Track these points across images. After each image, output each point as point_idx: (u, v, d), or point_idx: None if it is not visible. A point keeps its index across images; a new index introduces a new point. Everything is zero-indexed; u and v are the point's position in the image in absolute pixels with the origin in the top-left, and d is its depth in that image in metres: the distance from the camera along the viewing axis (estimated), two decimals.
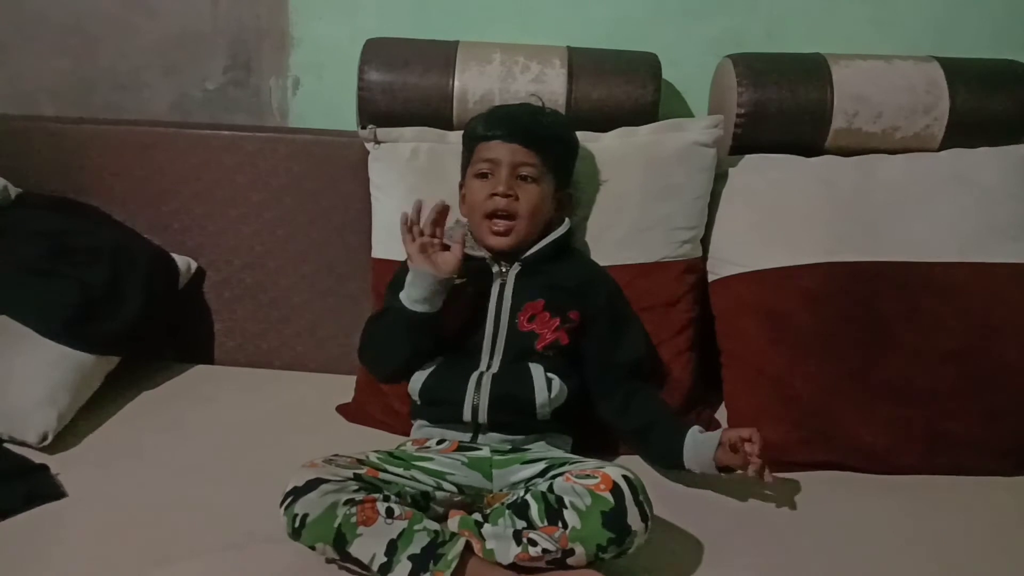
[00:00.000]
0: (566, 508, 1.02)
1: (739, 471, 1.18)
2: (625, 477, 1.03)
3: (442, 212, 1.23)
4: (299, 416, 1.40)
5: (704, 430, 1.24)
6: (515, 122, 1.31)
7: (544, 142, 1.30)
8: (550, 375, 1.24)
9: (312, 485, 1.03)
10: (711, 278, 1.47)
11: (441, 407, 1.25)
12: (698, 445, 1.21)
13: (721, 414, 1.42)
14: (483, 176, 1.30)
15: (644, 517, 1.02)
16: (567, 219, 1.35)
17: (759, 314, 1.39)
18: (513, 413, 1.22)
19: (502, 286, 1.29)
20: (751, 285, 1.41)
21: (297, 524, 1.02)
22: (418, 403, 1.28)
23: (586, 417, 1.30)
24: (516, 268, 1.30)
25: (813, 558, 1.11)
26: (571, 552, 1.00)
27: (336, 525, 1.01)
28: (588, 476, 1.04)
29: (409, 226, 1.22)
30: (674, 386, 1.38)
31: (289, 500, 1.03)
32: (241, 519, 1.12)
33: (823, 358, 1.35)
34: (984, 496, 1.24)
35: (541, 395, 1.22)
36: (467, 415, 1.22)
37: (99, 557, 1.07)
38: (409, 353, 1.26)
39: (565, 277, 1.31)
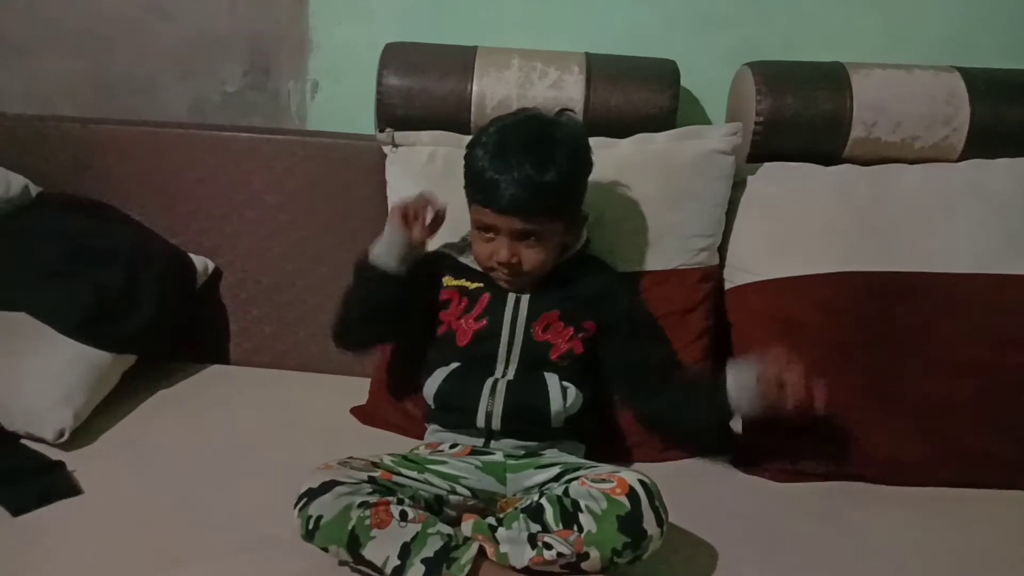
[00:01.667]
0: (582, 512, 1.01)
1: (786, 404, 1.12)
2: (641, 481, 1.03)
3: (437, 220, 1.25)
4: (313, 418, 1.41)
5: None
6: (515, 195, 1.18)
7: (549, 207, 1.21)
8: (565, 384, 1.23)
9: (327, 487, 1.03)
10: (727, 286, 1.46)
11: (455, 412, 1.25)
12: (740, 382, 1.17)
13: (735, 423, 1.41)
14: (482, 231, 1.24)
15: (660, 522, 1.02)
16: (584, 234, 1.33)
17: (775, 323, 1.39)
18: (527, 421, 1.22)
19: (518, 297, 1.28)
20: (767, 294, 1.41)
21: (311, 526, 1.02)
22: (432, 407, 1.28)
23: (599, 425, 1.30)
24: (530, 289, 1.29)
25: (825, 568, 1.10)
26: (586, 556, 1.00)
27: (350, 527, 1.01)
28: (604, 480, 1.04)
29: (409, 211, 1.24)
30: None
31: (303, 502, 1.03)
32: (254, 521, 1.12)
33: (838, 368, 1.34)
34: (998, 509, 1.24)
35: (556, 404, 1.22)
36: (481, 421, 1.22)
37: (113, 556, 1.07)
38: (369, 312, 1.27)
39: (582, 286, 1.30)
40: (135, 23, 1.74)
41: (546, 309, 1.27)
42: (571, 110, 1.37)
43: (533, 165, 1.18)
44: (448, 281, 1.30)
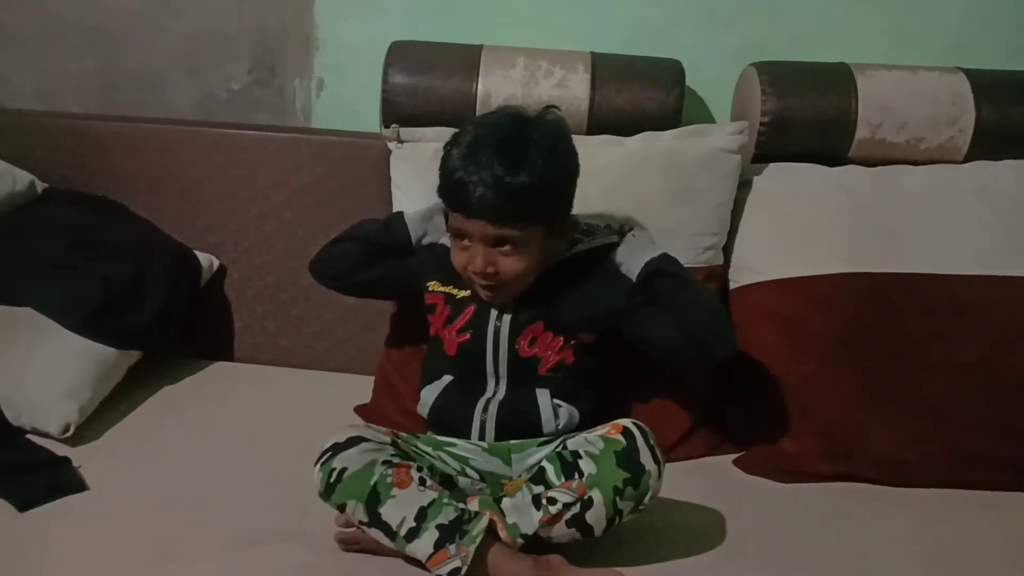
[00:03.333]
0: (580, 458, 1.04)
1: None
2: (635, 423, 1.06)
3: None
4: (316, 415, 1.39)
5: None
6: (483, 198, 1.10)
7: (522, 212, 1.12)
8: (557, 402, 1.21)
9: (353, 442, 1.05)
10: (732, 286, 1.46)
11: (448, 430, 1.23)
12: None
13: (739, 423, 1.41)
14: (457, 237, 1.17)
15: (656, 460, 1.04)
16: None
17: (779, 323, 1.39)
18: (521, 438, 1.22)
19: (501, 309, 1.22)
20: (772, 294, 1.41)
21: (333, 479, 1.03)
22: (427, 421, 1.28)
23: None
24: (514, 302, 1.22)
25: (827, 569, 1.10)
26: (590, 503, 1.01)
27: (372, 482, 1.02)
28: (600, 429, 1.08)
29: None
30: (694, 394, 1.38)
31: (328, 455, 1.05)
32: (257, 518, 1.13)
33: (842, 369, 1.34)
34: (1003, 511, 1.23)
35: (548, 424, 1.20)
36: (475, 436, 1.21)
37: (118, 551, 1.08)
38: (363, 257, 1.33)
39: (572, 290, 1.22)
40: (143, 20, 1.74)
41: (529, 323, 1.21)
42: (556, 107, 1.24)
43: (503, 165, 1.10)
44: (434, 286, 1.26)
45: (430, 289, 1.27)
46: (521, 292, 1.20)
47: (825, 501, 1.24)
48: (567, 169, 1.18)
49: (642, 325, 1.20)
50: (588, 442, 1.06)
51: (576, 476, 1.03)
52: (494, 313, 1.23)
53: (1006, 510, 1.24)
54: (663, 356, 1.24)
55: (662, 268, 1.20)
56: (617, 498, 1.02)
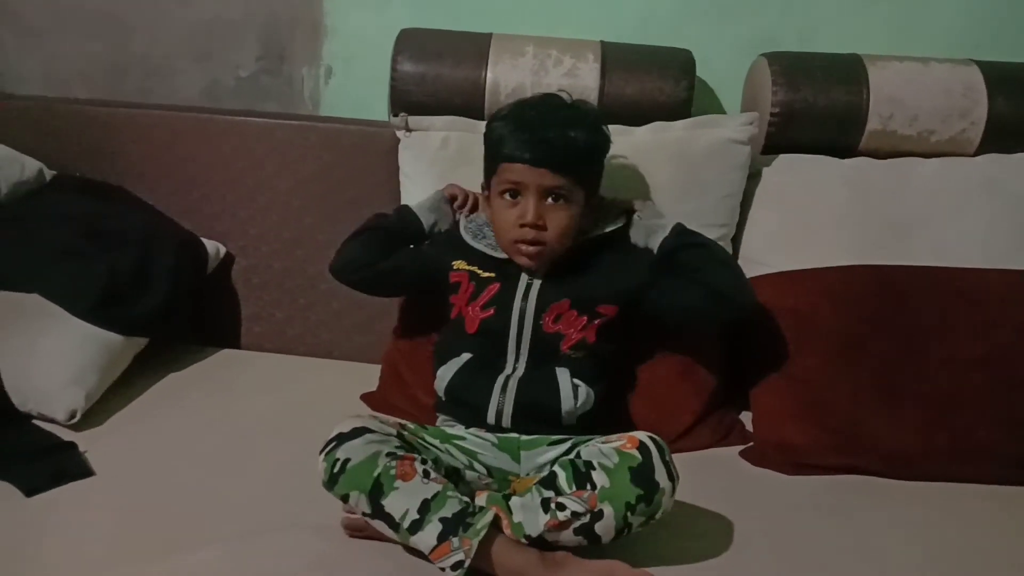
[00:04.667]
0: (594, 470, 1.03)
1: None
2: (651, 438, 1.05)
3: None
4: (323, 404, 1.39)
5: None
6: (544, 146, 1.21)
7: (576, 164, 1.23)
8: (576, 381, 1.23)
9: (358, 432, 1.05)
10: None
11: (465, 408, 1.24)
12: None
13: (746, 416, 1.41)
14: (508, 195, 1.24)
15: (671, 476, 1.03)
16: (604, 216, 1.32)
17: (787, 316, 1.38)
18: (538, 419, 1.22)
19: (528, 287, 1.27)
20: (779, 286, 1.40)
21: (336, 469, 1.03)
22: (443, 399, 1.28)
23: (613, 421, 1.29)
24: (544, 271, 1.28)
25: (832, 561, 1.10)
26: (600, 515, 1.01)
27: (376, 474, 1.02)
28: (615, 441, 1.06)
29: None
30: (700, 386, 1.37)
31: (332, 445, 1.05)
32: (263, 506, 1.13)
33: (850, 361, 1.33)
34: (1009, 506, 1.23)
35: (567, 402, 1.21)
36: (491, 419, 1.22)
37: (124, 537, 1.08)
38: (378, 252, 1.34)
39: (596, 268, 1.28)
40: (151, 6, 1.74)
41: (555, 299, 1.25)
42: (585, 101, 1.37)
43: (562, 123, 1.23)
44: (459, 265, 1.30)
45: (455, 268, 1.30)
46: (549, 269, 1.27)
47: (831, 494, 1.24)
48: (606, 143, 1.30)
49: (668, 290, 1.27)
50: (603, 454, 1.05)
51: (588, 487, 1.02)
52: (520, 291, 1.26)
53: (1012, 505, 1.23)
54: (688, 317, 1.30)
55: (680, 239, 1.28)
56: (628, 513, 1.01)
